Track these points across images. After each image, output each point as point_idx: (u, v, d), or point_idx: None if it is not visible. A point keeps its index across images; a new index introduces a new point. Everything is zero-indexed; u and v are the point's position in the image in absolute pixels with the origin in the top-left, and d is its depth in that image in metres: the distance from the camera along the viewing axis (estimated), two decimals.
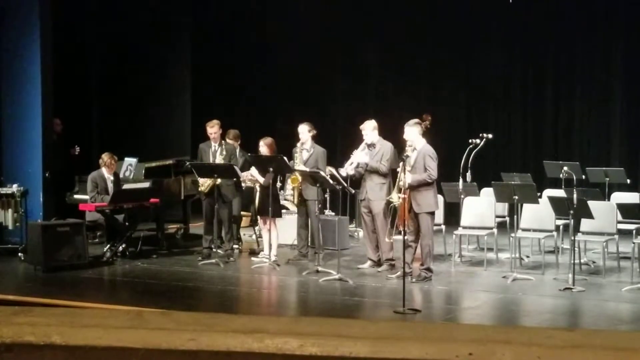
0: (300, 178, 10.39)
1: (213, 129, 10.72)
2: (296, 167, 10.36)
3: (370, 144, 10.03)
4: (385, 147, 10.01)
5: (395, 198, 9.34)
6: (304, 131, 10.51)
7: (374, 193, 9.90)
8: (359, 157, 10.00)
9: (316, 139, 10.62)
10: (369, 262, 10.14)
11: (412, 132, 9.36)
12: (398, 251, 10.08)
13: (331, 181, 9.85)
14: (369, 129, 10.06)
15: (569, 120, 14.40)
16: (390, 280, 9.42)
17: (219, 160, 10.62)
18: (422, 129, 9.45)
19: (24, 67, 11.66)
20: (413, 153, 9.27)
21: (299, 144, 10.56)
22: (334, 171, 10.28)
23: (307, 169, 10.18)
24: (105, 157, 10.95)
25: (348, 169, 10.03)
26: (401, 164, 9.08)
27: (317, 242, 10.37)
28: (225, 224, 10.73)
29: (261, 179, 10.27)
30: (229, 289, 9.27)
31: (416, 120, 9.67)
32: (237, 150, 11.14)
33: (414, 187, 9.18)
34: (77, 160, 12.95)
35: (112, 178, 10.98)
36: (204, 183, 10.67)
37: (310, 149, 10.51)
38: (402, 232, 8.83)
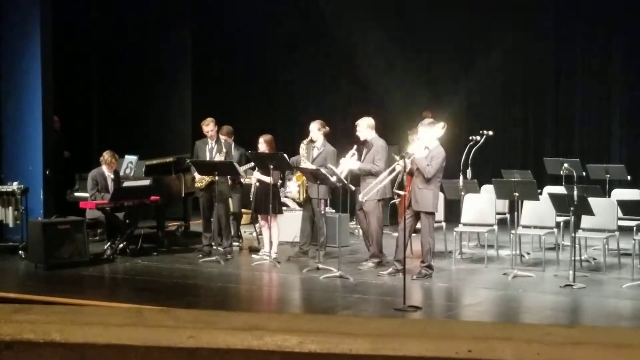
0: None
1: (208, 127, 10.73)
2: (302, 164, 10.37)
3: (364, 142, 10.03)
4: (377, 145, 9.99)
5: (399, 167, 9.25)
6: (314, 129, 10.51)
7: (373, 191, 9.89)
8: (347, 164, 9.99)
9: (328, 137, 10.63)
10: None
11: (425, 132, 9.31)
12: (388, 248, 10.11)
13: (331, 178, 9.85)
14: (363, 126, 10.06)
15: (569, 117, 14.40)
16: (382, 277, 9.43)
17: (218, 157, 10.63)
18: (439, 130, 9.31)
19: (24, 65, 11.66)
20: (424, 152, 9.20)
21: (305, 140, 10.57)
22: (334, 168, 10.28)
23: (313, 166, 10.18)
24: (106, 155, 10.95)
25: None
26: (401, 160, 9.06)
27: (320, 240, 10.37)
28: (223, 220, 10.71)
29: (267, 179, 10.26)
30: (229, 286, 9.27)
31: (430, 120, 9.65)
32: (232, 146, 11.16)
33: (416, 184, 9.17)
34: (70, 163, 12.94)
35: (112, 176, 10.98)
36: (202, 180, 10.69)
37: (321, 147, 10.51)
38: (404, 230, 8.85)
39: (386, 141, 10.39)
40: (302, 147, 10.58)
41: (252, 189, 10.67)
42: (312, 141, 10.55)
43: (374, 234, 9.99)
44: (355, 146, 10.10)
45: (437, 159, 9.16)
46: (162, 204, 11.46)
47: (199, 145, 10.92)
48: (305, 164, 10.34)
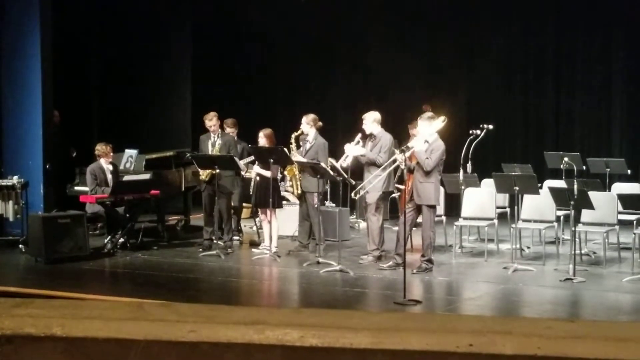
0: (295, 169, 10.41)
1: (211, 121, 10.76)
2: (293, 158, 10.37)
3: (370, 135, 10.03)
4: (385, 139, 10.00)
5: (399, 158, 9.26)
6: (304, 123, 10.53)
7: (371, 184, 9.89)
8: (352, 150, 10.00)
9: (321, 131, 10.63)
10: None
11: (424, 126, 9.30)
12: (388, 242, 10.11)
13: (332, 172, 9.85)
14: (370, 120, 10.05)
15: (569, 111, 14.38)
16: (382, 270, 9.44)
17: (216, 151, 10.65)
18: (439, 123, 9.29)
19: (24, 59, 11.65)
20: (423, 145, 9.18)
21: (294, 134, 10.58)
22: (334, 162, 10.27)
23: (306, 160, 10.19)
24: (99, 147, 10.95)
25: (342, 163, 10.06)
26: (401, 154, 9.05)
27: (317, 234, 10.37)
28: (224, 215, 10.73)
29: (267, 173, 10.26)
30: (229, 280, 9.27)
31: (430, 114, 9.63)
32: (235, 139, 11.17)
33: (417, 178, 9.17)
34: (74, 162, 12.94)
35: (111, 168, 10.98)
36: (204, 172, 10.72)
37: (312, 140, 10.51)
38: (404, 224, 8.84)
39: None
40: (293, 141, 10.59)
41: (252, 183, 10.68)
42: (302, 134, 10.57)
43: (374, 226, 9.98)
44: (359, 134, 10.10)
45: (436, 152, 9.16)
46: (162, 198, 11.47)
47: (203, 140, 10.95)
48: (296, 157, 10.34)
